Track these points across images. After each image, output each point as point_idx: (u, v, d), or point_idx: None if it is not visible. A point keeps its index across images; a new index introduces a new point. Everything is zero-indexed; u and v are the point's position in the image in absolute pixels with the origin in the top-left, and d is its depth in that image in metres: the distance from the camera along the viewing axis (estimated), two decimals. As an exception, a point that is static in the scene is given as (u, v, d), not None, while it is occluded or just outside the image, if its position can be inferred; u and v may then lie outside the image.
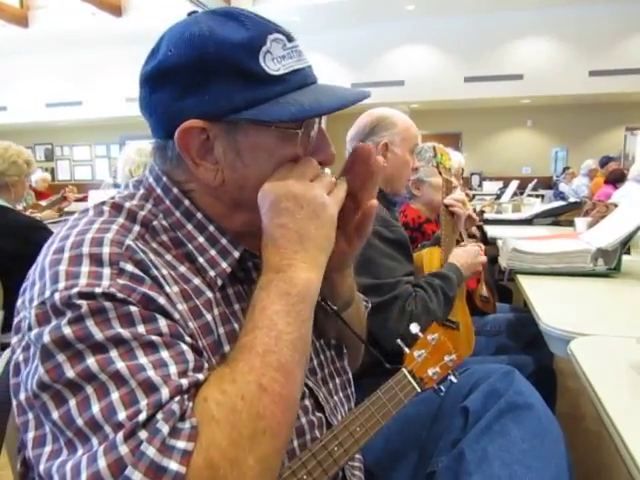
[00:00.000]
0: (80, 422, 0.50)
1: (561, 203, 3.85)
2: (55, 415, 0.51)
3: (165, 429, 0.48)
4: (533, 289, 1.47)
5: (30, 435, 0.53)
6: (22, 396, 0.55)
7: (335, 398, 0.81)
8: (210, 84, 0.61)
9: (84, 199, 5.35)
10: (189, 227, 0.67)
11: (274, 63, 0.62)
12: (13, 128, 11.57)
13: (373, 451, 0.93)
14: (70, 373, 0.51)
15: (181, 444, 0.48)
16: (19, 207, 3.02)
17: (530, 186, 6.49)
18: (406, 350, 0.88)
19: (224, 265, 0.67)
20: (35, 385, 0.52)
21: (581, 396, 1.92)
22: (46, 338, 0.52)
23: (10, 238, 2.29)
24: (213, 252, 0.67)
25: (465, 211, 1.72)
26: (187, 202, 0.68)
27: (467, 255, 1.59)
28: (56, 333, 0.52)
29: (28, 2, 9.55)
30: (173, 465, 0.47)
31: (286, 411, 0.55)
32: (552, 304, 1.35)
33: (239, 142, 0.64)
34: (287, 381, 0.55)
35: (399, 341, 0.89)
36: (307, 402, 0.72)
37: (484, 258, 1.65)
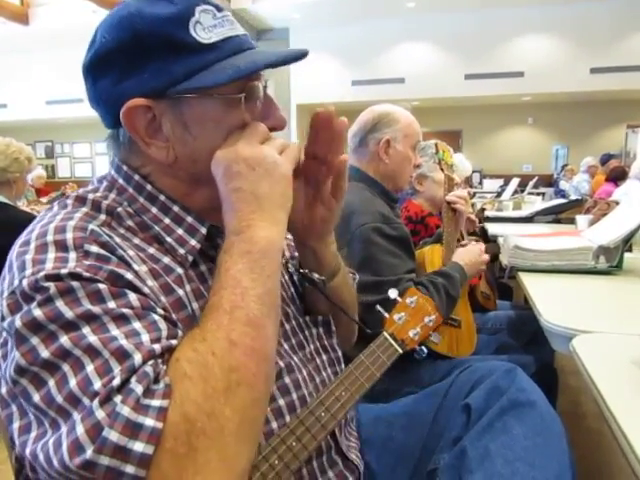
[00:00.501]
0: (60, 399, 0.51)
1: (562, 201, 3.84)
2: (36, 398, 0.52)
3: (139, 389, 0.49)
4: (534, 286, 1.47)
5: (15, 425, 0.54)
6: (4, 390, 0.56)
7: (323, 374, 0.82)
8: (146, 62, 0.63)
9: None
10: (154, 210, 0.68)
11: (205, 32, 0.64)
12: (13, 125, 11.55)
13: (374, 448, 0.93)
14: (45, 354, 0.52)
15: (156, 402, 0.49)
16: (19, 204, 3.02)
17: (531, 184, 6.48)
18: (385, 315, 0.90)
19: (193, 242, 0.68)
20: (13, 371, 0.53)
21: (582, 394, 1.92)
22: (18, 323, 0.53)
23: (10, 234, 2.29)
24: (180, 231, 0.68)
25: (467, 209, 1.72)
26: (149, 186, 0.69)
27: (470, 254, 1.59)
28: (27, 317, 0.53)
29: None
30: (149, 421, 0.48)
31: (261, 362, 0.56)
32: (553, 301, 1.35)
33: (185, 115, 0.65)
34: (258, 334, 0.56)
35: (378, 306, 0.91)
36: (299, 376, 0.74)
37: (487, 256, 1.64)
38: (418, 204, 2.17)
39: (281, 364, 0.73)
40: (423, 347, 0.91)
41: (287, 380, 0.73)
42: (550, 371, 1.57)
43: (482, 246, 1.66)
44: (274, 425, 0.69)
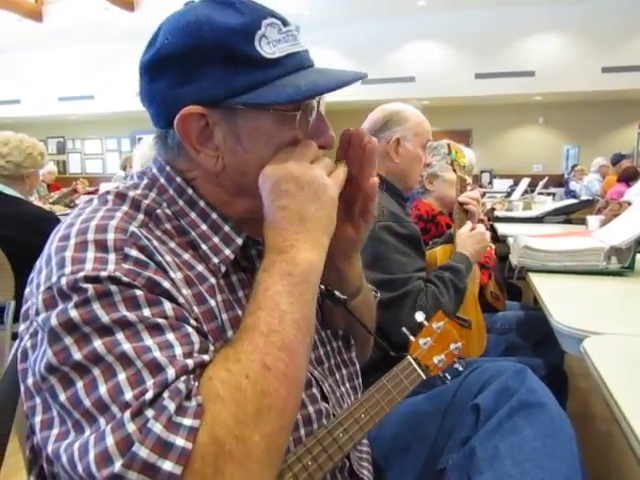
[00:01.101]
0: (87, 403, 0.50)
1: (573, 201, 3.81)
2: (62, 397, 0.52)
3: (172, 406, 0.49)
4: (544, 287, 1.46)
5: (37, 419, 0.54)
6: (30, 381, 0.56)
7: (342, 389, 0.81)
8: (207, 70, 0.62)
9: (95, 192, 5.39)
10: (192, 215, 0.68)
11: (270, 47, 0.63)
12: (26, 121, 11.67)
13: (383, 447, 0.92)
14: (77, 355, 0.52)
15: (187, 421, 0.49)
16: (31, 199, 3.04)
17: (541, 184, 6.44)
18: (411, 338, 0.89)
19: (227, 252, 0.67)
20: (43, 368, 0.53)
21: (592, 396, 1.91)
22: (53, 321, 0.53)
23: (23, 229, 2.32)
24: (216, 239, 0.67)
25: (479, 209, 1.71)
26: (190, 190, 0.68)
27: (473, 241, 1.57)
28: (63, 316, 0.53)
29: (42, -4, 9.62)
30: (179, 441, 0.48)
31: (291, 389, 0.55)
32: (564, 302, 1.34)
33: (238, 127, 0.64)
34: (291, 360, 0.56)
35: (404, 329, 0.89)
36: (315, 391, 0.73)
37: (488, 233, 1.62)
38: (428, 203, 2.16)
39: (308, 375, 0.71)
40: (447, 374, 0.89)
41: (306, 393, 0.71)
42: (560, 373, 1.56)
43: (484, 229, 1.63)
44: (302, 432, 0.68)
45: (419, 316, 0.91)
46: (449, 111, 10.43)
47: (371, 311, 0.92)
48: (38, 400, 0.55)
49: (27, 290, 0.61)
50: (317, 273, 0.62)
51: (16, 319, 2.27)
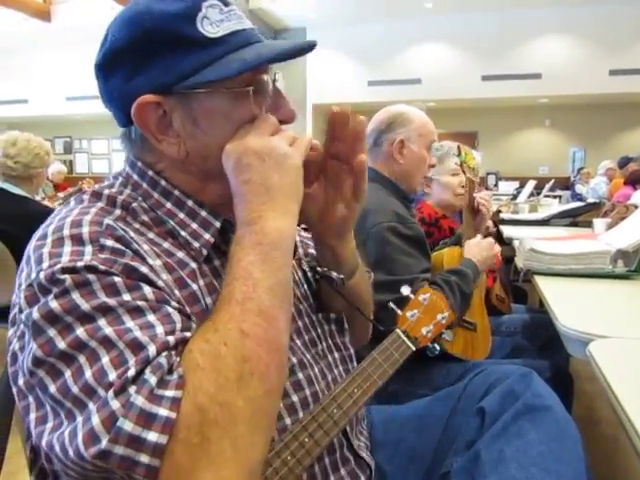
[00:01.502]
0: (75, 390, 0.51)
1: (579, 204, 3.79)
2: (53, 389, 0.53)
3: (153, 380, 0.50)
4: (550, 290, 1.45)
5: (32, 416, 0.55)
6: (21, 381, 0.56)
7: (335, 372, 0.82)
8: (155, 58, 0.64)
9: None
10: (168, 205, 0.69)
11: (212, 27, 0.64)
12: (34, 120, 11.71)
13: (387, 450, 0.92)
14: (62, 345, 0.53)
15: (169, 393, 0.50)
16: (37, 198, 3.06)
17: (547, 186, 6.42)
18: (398, 312, 0.90)
19: (207, 236, 0.69)
20: (31, 363, 0.54)
21: (597, 400, 1.90)
22: (35, 315, 0.54)
23: (30, 227, 2.32)
24: (194, 225, 0.69)
25: (489, 212, 1.71)
26: (163, 182, 0.70)
27: (481, 248, 1.57)
28: (44, 308, 0.54)
29: (50, -4, 9.67)
30: (163, 411, 0.49)
31: (273, 353, 0.56)
32: (570, 305, 1.34)
33: (194, 111, 0.65)
34: (269, 325, 0.56)
35: (391, 304, 0.91)
36: (311, 373, 0.75)
37: (497, 247, 1.63)
38: (431, 205, 2.16)
39: (294, 360, 0.73)
40: (435, 344, 0.91)
41: (300, 376, 0.73)
42: (565, 376, 1.55)
43: (492, 240, 1.64)
44: (287, 421, 0.69)
45: (405, 290, 0.93)
46: (455, 113, 10.41)
47: (368, 291, 0.93)
48: (31, 399, 0.55)
49: (14, 296, 0.61)
50: (288, 240, 0.63)
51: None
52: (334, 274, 0.82)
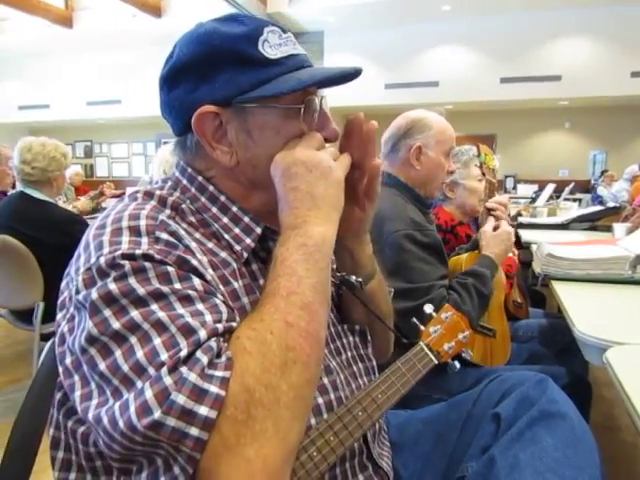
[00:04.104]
0: (125, 368, 0.55)
1: (599, 208, 3.74)
2: (102, 366, 0.56)
3: (204, 359, 0.54)
4: (568, 295, 1.44)
5: (77, 393, 0.58)
6: (68, 360, 0.60)
7: (359, 381, 0.84)
8: (218, 73, 0.69)
9: (121, 195, 5.47)
10: (214, 210, 0.74)
11: (272, 49, 0.71)
12: (55, 125, 11.94)
13: (403, 453, 0.93)
14: (116, 325, 0.56)
15: (219, 373, 0.54)
16: (60, 202, 3.11)
17: (567, 189, 6.33)
18: (421, 327, 0.93)
19: (248, 241, 0.74)
20: (84, 340, 0.57)
21: (616, 406, 1.87)
22: (94, 295, 0.58)
23: (52, 231, 2.37)
24: (237, 230, 0.74)
25: (506, 215, 1.69)
26: (211, 187, 0.75)
27: (499, 241, 1.56)
28: (103, 290, 0.58)
29: (73, 3, 9.82)
30: (213, 388, 0.52)
31: (314, 345, 0.59)
32: (587, 311, 1.32)
33: (248, 123, 0.71)
34: (311, 319, 0.60)
35: (414, 319, 0.94)
36: (337, 379, 0.77)
37: (515, 251, 1.61)
38: (449, 212, 2.15)
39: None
40: (456, 362, 0.93)
41: (325, 381, 0.75)
42: (583, 382, 1.54)
43: (509, 228, 1.61)
44: (313, 421, 0.71)
45: (427, 308, 0.96)
46: (473, 116, 10.34)
47: (387, 302, 0.96)
48: (76, 377, 0.59)
49: (63, 283, 0.66)
50: (329, 244, 0.67)
51: (45, 321, 2.32)
52: (353, 277, 0.84)
